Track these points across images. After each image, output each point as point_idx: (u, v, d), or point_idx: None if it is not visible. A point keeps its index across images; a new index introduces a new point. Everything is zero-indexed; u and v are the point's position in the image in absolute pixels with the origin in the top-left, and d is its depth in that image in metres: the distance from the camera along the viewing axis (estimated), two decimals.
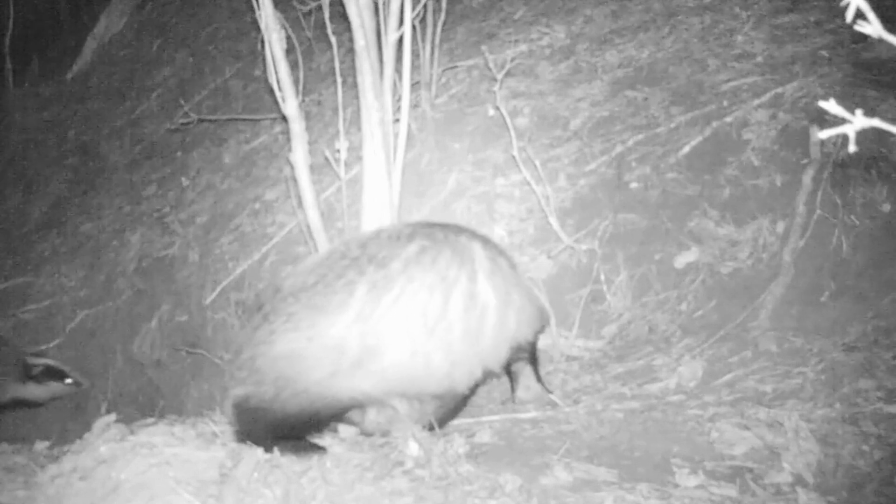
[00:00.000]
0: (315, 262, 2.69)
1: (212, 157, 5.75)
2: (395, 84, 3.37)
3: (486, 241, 2.73)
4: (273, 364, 2.52)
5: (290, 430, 2.52)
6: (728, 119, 3.71)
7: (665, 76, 4.13)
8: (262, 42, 3.31)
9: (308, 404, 2.52)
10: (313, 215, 3.42)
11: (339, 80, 3.54)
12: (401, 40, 3.29)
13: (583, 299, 3.55)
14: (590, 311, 3.55)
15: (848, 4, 1.10)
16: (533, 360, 2.97)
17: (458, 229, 2.74)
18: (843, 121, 1.15)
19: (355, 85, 3.36)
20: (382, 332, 2.48)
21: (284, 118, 3.37)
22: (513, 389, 2.98)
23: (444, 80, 4.79)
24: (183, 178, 5.73)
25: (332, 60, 4.08)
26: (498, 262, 2.68)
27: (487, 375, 2.75)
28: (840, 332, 2.91)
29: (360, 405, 2.63)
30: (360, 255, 2.58)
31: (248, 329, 2.67)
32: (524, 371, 2.95)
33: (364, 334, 2.47)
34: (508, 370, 2.95)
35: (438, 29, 4.32)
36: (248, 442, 2.49)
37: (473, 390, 2.78)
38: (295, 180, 3.45)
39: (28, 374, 4.86)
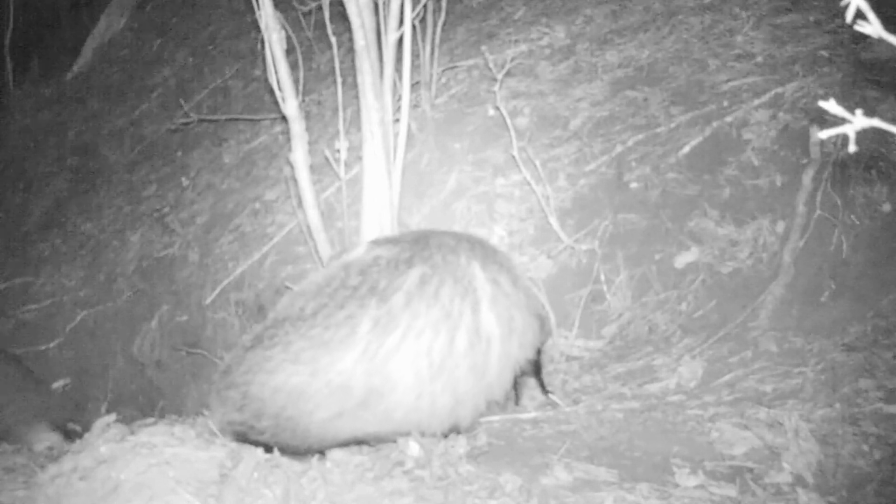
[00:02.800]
0: (313, 289, 2.59)
1: (212, 157, 5.75)
2: (395, 84, 3.36)
3: (485, 258, 2.64)
4: (272, 397, 2.46)
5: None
6: (728, 119, 3.71)
7: (665, 76, 4.13)
8: (262, 42, 3.31)
9: (307, 446, 2.48)
10: (313, 215, 3.42)
11: (339, 80, 3.54)
12: (401, 40, 3.29)
13: (583, 299, 3.55)
14: (590, 311, 3.55)
15: (848, 4, 1.10)
16: (537, 371, 2.94)
17: (456, 244, 2.64)
18: (843, 121, 1.15)
19: (355, 85, 3.36)
20: (388, 372, 2.43)
21: (284, 118, 3.36)
22: (517, 398, 2.97)
23: (444, 80, 4.79)
24: (183, 178, 5.72)
25: (332, 60, 4.08)
26: (499, 282, 2.61)
27: (491, 406, 2.71)
28: (840, 332, 2.91)
29: (362, 443, 2.57)
30: (361, 283, 2.51)
31: (238, 349, 2.61)
32: (528, 382, 2.93)
33: (370, 374, 2.42)
34: (514, 381, 2.94)
35: (438, 29, 4.32)
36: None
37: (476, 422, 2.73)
38: (295, 180, 3.44)
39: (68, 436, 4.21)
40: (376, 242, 2.76)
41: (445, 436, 2.56)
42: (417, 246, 2.61)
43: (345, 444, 2.55)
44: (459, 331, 2.48)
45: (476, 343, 2.50)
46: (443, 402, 2.49)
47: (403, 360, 2.43)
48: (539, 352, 2.88)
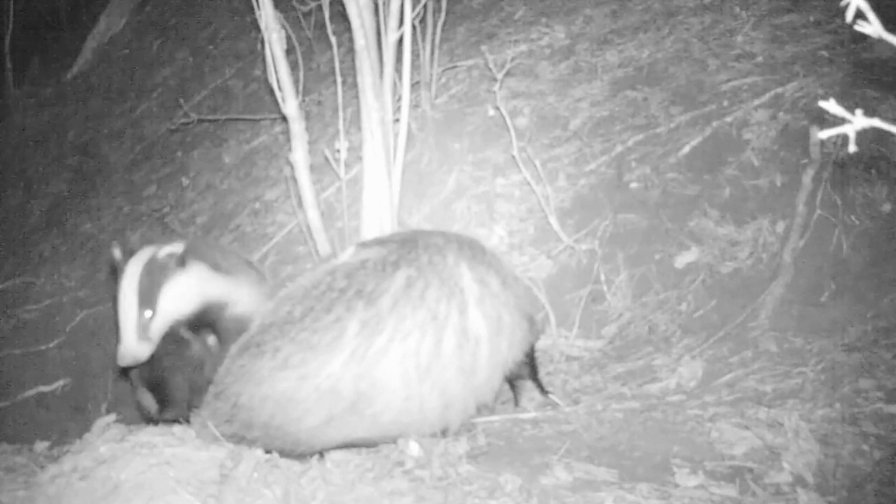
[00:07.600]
0: (300, 293, 2.57)
1: (212, 157, 5.75)
2: (395, 84, 3.36)
3: (473, 258, 2.62)
4: (261, 405, 2.45)
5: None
6: (728, 119, 3.71)
7: (665, 76, 4.13)
8: (262, 42, 3.32)
9: (298, 453, 2.48)
10: (313, 215, 3.42)
11: (339, 80, 3.54)
12: (401, 40, 3.29)
13: (583, 299, 3.55)
14: (590, 311, 3.55)
15: (848, 4, 1.10)
16: (534, 373, 2.94)
17: (444, 243, 2.62)
18: (843, 121, 1.15)
19: (355, 85, 3.36)
20: (377, 375, 2.41)
21: (284, 118, 3.37)
22: (516, 399, 2.97)
23: (444, 80, 4.79)
24: (183, 178, 5.72)
25: (332, 60, 4.08)
26: (487, 281, 2.60)
27: (482, 408, 2.70)
28: (840, 332, 2.91)
29: (352, 446, 2.57)
30: (347, 286, 2.49)
31: (226, 358, 2.59)
32: (526, 385, 2.94)
33: (358, 378, 2.41)
34: (511, 383, 2.94)
35: (438, 29, 4.32)
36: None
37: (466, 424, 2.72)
38: (295, 180, 3.45)
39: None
40: (364, 245, 2.73)
41: (444, 435, 2.56)
42: (405, 248, 2.59)
43: (337, 447, 2.54)
44: (447, 332, 2.47)
45: (464, 344, 2.50)
46: (432, 404, 2.48)
47: (391, 362, 2.42)
48: (531, 352, 2.88)
